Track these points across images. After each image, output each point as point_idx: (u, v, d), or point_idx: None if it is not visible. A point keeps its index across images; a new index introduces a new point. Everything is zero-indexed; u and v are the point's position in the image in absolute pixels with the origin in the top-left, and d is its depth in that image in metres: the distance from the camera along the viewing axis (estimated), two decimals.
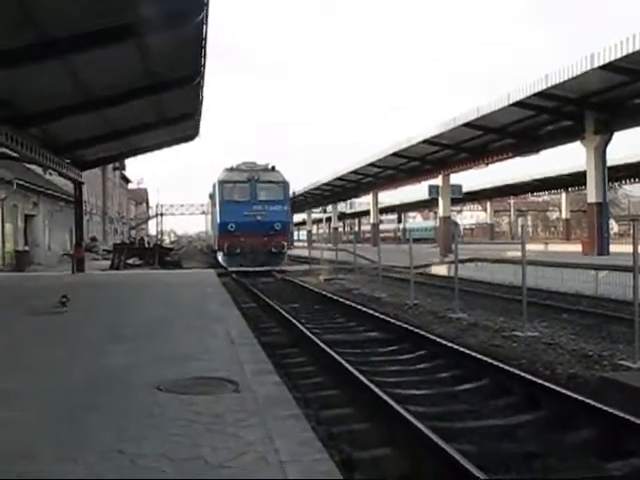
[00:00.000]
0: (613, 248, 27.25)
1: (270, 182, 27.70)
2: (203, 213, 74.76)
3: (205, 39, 14.10)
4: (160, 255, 31.51)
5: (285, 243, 27.97)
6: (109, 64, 15.14)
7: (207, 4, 12.43)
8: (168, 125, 22.88)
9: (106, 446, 4.16)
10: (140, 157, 57.63)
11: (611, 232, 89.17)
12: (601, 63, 19.92)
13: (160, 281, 20.48)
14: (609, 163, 27.08)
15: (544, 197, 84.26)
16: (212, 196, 30.37)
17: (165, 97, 18.75)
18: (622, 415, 5.82)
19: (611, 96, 23.51)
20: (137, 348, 7.80)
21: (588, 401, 6.32)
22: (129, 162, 78.35)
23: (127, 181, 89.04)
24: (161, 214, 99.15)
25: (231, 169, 28.06)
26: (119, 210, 78.77)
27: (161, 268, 28.75)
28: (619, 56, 19.21)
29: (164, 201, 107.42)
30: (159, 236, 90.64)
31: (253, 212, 27.05)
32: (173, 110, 21.21)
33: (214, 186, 28.72)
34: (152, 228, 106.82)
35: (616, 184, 56.72)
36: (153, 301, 14.10)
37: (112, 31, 12.98)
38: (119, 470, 3.75)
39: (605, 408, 6.07)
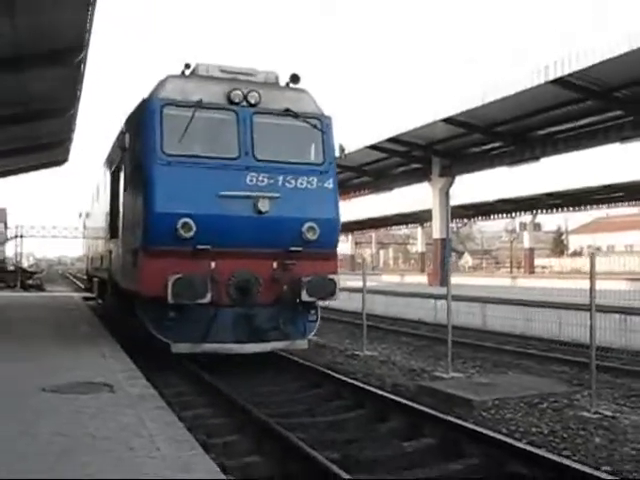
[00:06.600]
0: (465, 280, 30.18)
1: (288, 115, 10.59)
2: (66, 237, 72.81)
3: (82, 77, 14.96)
4: (22, 278, 31.18)
5: (334, 277, 10.64)
6: None
7: (87, 46, 13.39)
8: (38, 151, 23.20)
9: (10, 429, 5.22)
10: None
11: (466, 265, 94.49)
12: (444, 116, 22.61)
13: (26, 303, 20.61)
14: (460, 202, 30.14)
15: (404, 230, 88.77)
16: (125, 146, 10.89)
17: (38, 125, 19.24)
18: (425, 410, 7.51)
19: (452, 145, 26.51)
20: (16, 361, 8.66)
21: (403, 401, 8.00)
22: None
23: None
24: (21, 235, 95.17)
25: (184, 74, 10.32)
26: None
27: (24, 291, 28.51)
28: (458, 112, 22.00)
29: (25, 222, 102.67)
30: (18, 258, 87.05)
31: (245, 190, 10.03)
32: (45, 137, 21.62)
33: (132, 120, 11.01)
34: (9, 250, 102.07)
35: (472, 220, 61.16)
36: (23, 322, 14.50)
37: None
38: (25, 442, 4.85)
39: (413, 405, 7.76)
